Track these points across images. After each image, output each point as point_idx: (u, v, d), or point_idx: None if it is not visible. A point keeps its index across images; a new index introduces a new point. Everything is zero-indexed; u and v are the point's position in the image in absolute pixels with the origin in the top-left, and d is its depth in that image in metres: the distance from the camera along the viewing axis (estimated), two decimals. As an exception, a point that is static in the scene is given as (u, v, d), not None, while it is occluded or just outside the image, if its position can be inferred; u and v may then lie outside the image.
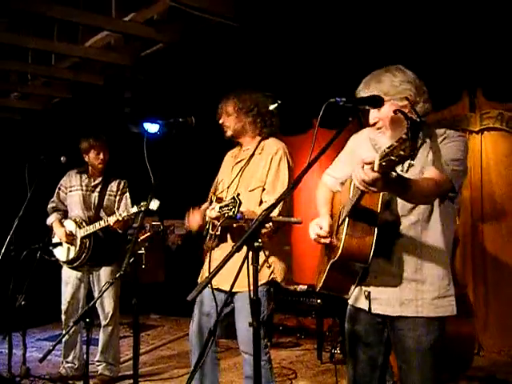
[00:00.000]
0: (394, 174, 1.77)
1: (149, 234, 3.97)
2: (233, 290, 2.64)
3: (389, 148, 1.69)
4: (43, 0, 4.46)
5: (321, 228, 2.28)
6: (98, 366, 4.39)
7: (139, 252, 3.77)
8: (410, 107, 2.11)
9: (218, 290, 2.91)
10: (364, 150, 2.32)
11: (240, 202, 2.76)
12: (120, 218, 4.02)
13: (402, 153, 1.66)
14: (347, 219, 2.11)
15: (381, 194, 2.08)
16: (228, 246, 3.09)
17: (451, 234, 2.24)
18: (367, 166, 1.76)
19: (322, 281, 2.28)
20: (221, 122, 3.24)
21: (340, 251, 2.09)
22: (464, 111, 5.07)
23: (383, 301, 2.21)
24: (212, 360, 3.18)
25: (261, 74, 5.17)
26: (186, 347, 5.57)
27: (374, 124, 2.19)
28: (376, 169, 1.73)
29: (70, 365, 4.39)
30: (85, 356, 2.68)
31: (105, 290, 2.96)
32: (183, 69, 5.71)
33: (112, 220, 4.07)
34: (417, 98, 2.15)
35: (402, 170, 2.05)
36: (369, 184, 1.78)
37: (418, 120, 1.70)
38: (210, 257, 2.98)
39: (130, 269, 2.92)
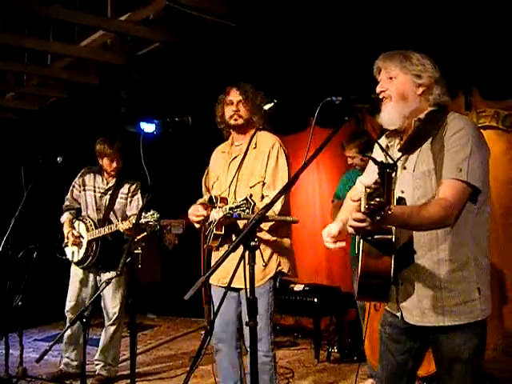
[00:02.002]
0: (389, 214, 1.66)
1: (145, 233, 3.94)
2: (240, 287, 2.66)
3: (369, 189, 1.62)
4: (39, 0, 4.45)
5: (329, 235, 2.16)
6: (97, 365, 4.37)
7: (136, 252, 3.76)
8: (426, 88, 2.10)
9: (232, 288, 2.86)
10: (377, 156, 2.26)
11: (254, 204, 2.72)
12: (132, 226, 3.91)
13: (378, 199, 1.59)
14: (361, 240, 2.04)
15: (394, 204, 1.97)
16: None
17: (477, 232, 2.09)
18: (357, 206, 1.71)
19: (356, 292, 2.18)
20: (234, 109, 3.12)
21: (360, 270, 2.03)
22: (460, 110, 5.07)
23: (407, 310, 2.12)
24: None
25: (257, 72, 5.17)
26: (183, 347, 5.59)
27: (380, 93, 2.12)
28: (363, 210, 1.67)
29: (69, 360, 4.38)
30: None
31: (101, 290, 2.95)
32: (179, 68, 5.71)
33: (122, 226, 4.02)
34: (435, 84, 2.11)
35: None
36: (358, 226, 1.74)
37: (392, 162, 1.61)
38: (207, 256, 2.97)
39: (127, 269, 2.93)
